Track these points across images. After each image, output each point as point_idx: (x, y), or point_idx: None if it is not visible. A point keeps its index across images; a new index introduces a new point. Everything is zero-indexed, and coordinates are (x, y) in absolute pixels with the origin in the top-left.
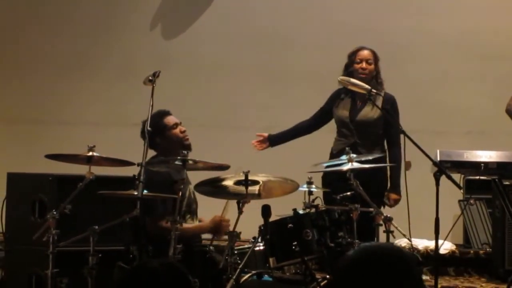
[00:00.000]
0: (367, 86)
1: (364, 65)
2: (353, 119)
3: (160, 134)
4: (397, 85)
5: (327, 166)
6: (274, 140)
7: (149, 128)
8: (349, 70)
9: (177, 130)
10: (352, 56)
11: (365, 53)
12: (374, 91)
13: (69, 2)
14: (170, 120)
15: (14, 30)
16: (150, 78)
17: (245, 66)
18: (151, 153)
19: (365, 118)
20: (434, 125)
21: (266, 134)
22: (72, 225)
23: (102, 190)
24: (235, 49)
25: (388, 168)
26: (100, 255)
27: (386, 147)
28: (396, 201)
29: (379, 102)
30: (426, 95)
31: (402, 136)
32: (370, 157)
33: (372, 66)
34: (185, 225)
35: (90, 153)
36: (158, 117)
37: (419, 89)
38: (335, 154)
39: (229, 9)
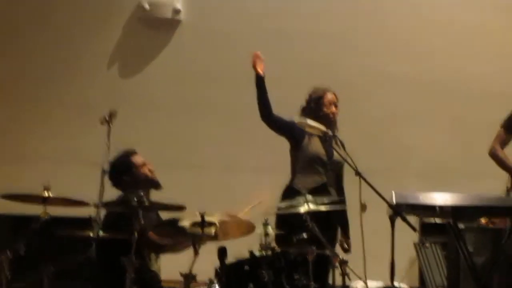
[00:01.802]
0: (323, 128)
1: (333, 109)
2: (330, 158)
3: (127, 172)
4: (352, 123)
5: (284, 208)
6: (262, 79)
7: (105, 168)
8: (317, 115)
9: (145, 169)
10: (320, 101)
11: (332, 96)
12: (330, 133)
13: (27, 37)
14: (138, 159)
15: None
16: (107, 118)
17: (202, 104)
18: (110, 192)
19: (339, 159)
20: (389, 165)
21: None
22: (26, 266)
23: (57, 230)
24: (191, 88)
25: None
26: None
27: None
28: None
29: (338, 143)
30: (381, 135)
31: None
32: (327, 201)
33: (337, 108)
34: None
35: (46, 194)
36: (126, 156)
37: (374, 128)
38: (303, 193)
39: (185, 49)
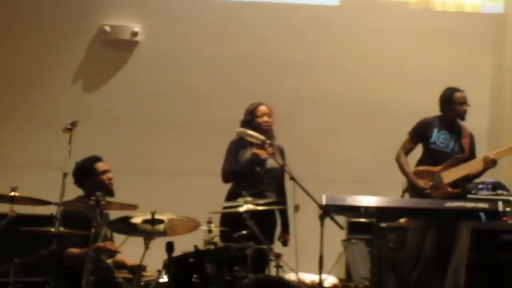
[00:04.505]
0: (262, 137)
1: (266, 118)
2: (264, 166)
3: (89, 176)
4: (290, 136)
5: (227, 208)
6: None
7: (66, 172)
8: (252, 125)
9: (104, 176)
10: (254, 112)
11: (265, 108)
12: (268, 141)
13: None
14: (100, 166)
15: None
16: (68, 127)
17: (155, 117)
18: (71, 193)
19: (273, 167)
20: (323, 174)
21: None
22: None
23: (23, 227)
24: (147, 103)
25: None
26: (20, 286)
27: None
28: (289, 240)
29: (276, 151)
30: (316, 147)
31: (292, 182)
32: (262, 202)
33: (272, 119)
34: (71, 250)
35: (13, 193)
36: (91, 162)
37: (310, 140)
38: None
39: (142, 68)
